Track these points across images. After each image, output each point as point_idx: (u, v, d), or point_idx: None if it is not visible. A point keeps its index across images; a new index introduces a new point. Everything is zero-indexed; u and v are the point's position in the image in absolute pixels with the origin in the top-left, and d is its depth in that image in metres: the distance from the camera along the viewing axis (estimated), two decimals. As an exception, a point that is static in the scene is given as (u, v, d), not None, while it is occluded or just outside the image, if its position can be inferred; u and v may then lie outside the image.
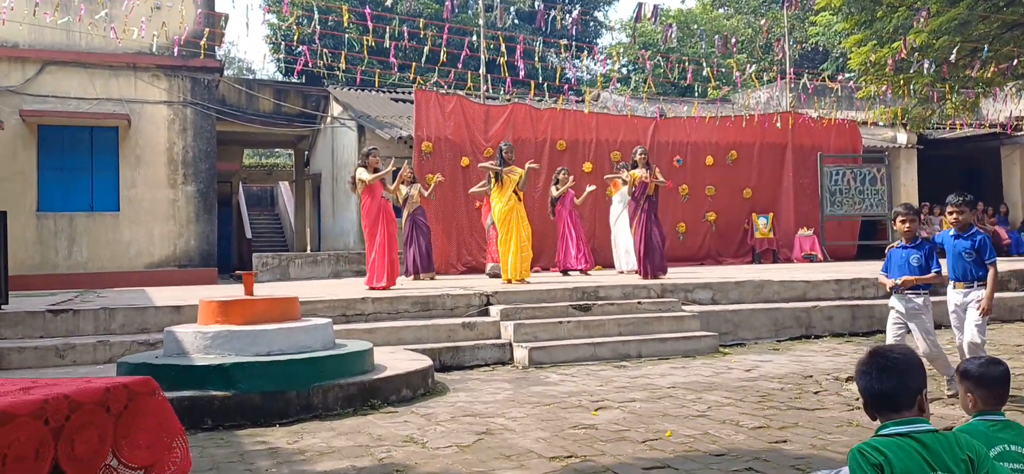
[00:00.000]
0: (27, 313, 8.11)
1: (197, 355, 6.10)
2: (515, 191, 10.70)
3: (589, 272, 12.70)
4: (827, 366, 7.58)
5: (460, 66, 15.71)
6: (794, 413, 5.60)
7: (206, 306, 6.45)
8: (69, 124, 15.24)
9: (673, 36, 15.59)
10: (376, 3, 25.33)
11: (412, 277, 12.00)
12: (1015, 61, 15.15)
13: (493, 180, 10.90)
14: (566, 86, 18.42)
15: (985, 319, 5.84)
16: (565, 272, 12.67)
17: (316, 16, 14.48)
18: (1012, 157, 20.57)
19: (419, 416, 5.76)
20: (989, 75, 16.03)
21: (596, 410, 5.78)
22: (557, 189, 12.77)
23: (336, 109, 19.25)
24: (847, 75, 21.90)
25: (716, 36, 17.09)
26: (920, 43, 15.36)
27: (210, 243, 16.16)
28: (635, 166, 11.35)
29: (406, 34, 14.81)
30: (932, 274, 5.91)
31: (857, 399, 5.80)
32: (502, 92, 18.98)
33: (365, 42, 14.61)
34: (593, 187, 13.58)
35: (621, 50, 34.06)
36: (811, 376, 7.10)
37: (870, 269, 11.49)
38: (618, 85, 27.11)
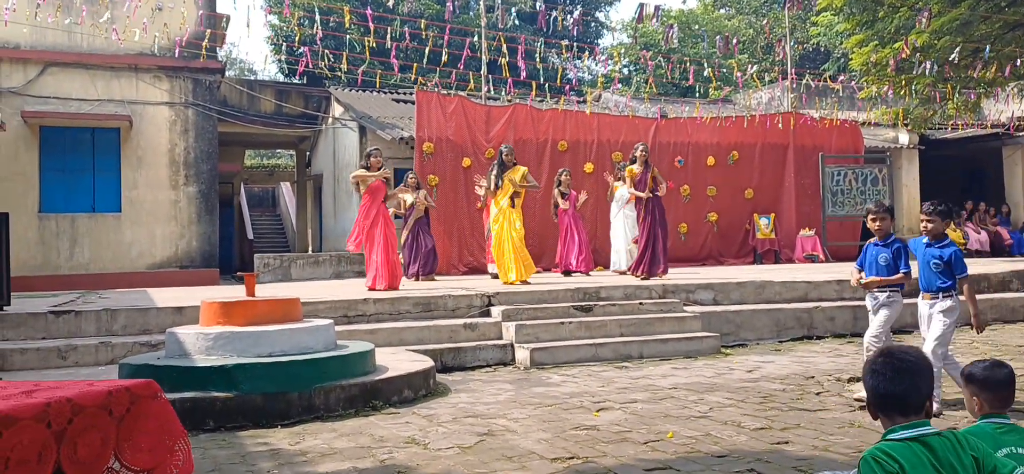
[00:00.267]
0: (29, 314, 8.12)
1: (199, 356, 6.11)
2: (511, 197, 10.62)
3: (590, 273, 12.70)
4: (829, 367, 7.57)
5: (461, 67, 15.71)
6: (796, 414, 5.59)
7: (208, 307, 6.46)
8: (71, 125, 15.25)
9: (674, 37, 15.58)
10: (377, 4, 25.34)
11: (413, 278, 12.00)
12: (1017, 61, 15.13)
13: (491, 187, 10.88)
14: (567, 87, 18.43)
15: (948, 330, 5.70)
16: (566, 273, 12.68)
17: (317, 17, 14.49)
18: (1014, 157, 20.55)
19: (421, 417, 5.76)
20: (991, 75, 16.01)
21: (598, 411, 5.78)
22: (559, 190, 12.78)
23: (337, 110, 19.26)
24: (849, 75, 21.88)
25: (717, 36, 17.09)
26: (922, 43, 15.34)
27: (212, 244, 16.17)
28: (634, 162, 11.32)
29: (407, 35, 14.83)
30: (898, 275, 5.86)
31: (857, 400, 5.80)
32: (504, 93, 18.99)
33: (367, 43, 14.61)
34: (586, 196, 13.58)
35: (622, 51, 34.08)
36: (813, 377, 7.09)
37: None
38: (619, 86, 27.12)
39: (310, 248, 24.61)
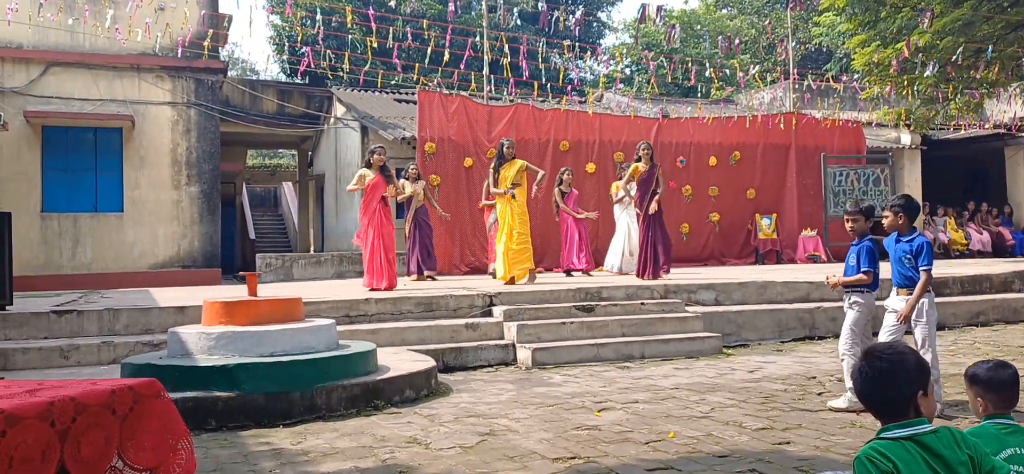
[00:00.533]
0: (32, 314, 8.13)
1: (201, 356, 6.12)
2: (511, 187, 10.56)
3: (590, 273, 12.69)
4: (830, 367, 7.57)
5: (463, 67, 15.70)
6: (797, 414, 5.59)
7: (210, 307, 6.47)
8: (73, 125, 15.28)
9: (676, 37, 15.56)
10: (379, 4, 25.37)
11: (414, 277, 12.01)
12: (1019, 62, 15.12)
13: (490, 182, 10.86)
14: (569, 87, 18.44)
15: (930, 329, 5.60)
16: (567, 272, 12.69)
17: (319, 17, 14.51)
18: (1016, 158, 20.53)
19: (422, 417, 5.77)
20: (993, 76, 16.01)
21: (599, 411, 5.78)
22: (560, 190, 12.79)
23: (339, 110, 19.27)
24: (851, 75, 21.87)
25: (719, 37, 17.08)
26: (924, 44, 15.34)
27: (214, 244, 16.18)
28: (639, 161, 11.25)
29: (409, 35, 14.84)
30: (858, 275, 5.71)
31: (831, 409, 5.76)
32: (505, 93, 19.00)
33: (369, 43, 14.64)
34: (595, 215, 13.61)
35: (624, 51, 34.10)
36: (815, 377, 7.09)
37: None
38: (621, 86, 27.11)
39: (312, 248, 24.63)
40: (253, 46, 78.86)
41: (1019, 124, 19.69)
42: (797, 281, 10.63)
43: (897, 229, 5.71)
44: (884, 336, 5.74)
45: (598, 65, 35.37)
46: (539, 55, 15.88)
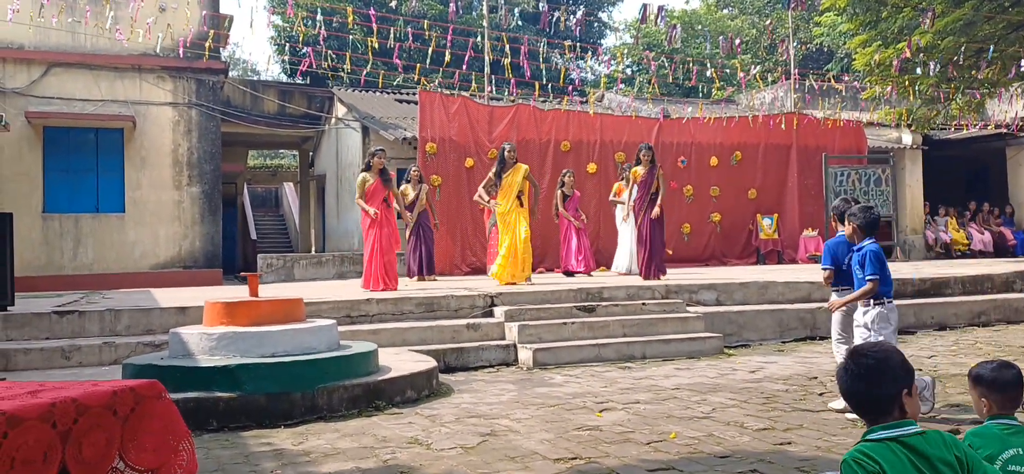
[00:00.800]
0: (33, 314, 8.14)
1: (202, 356, 6.12)
2: (519, 196, 10.56)
3: (591, 273, 12.69)
4: (832, 368, 7.55)
5: (464, 67, 15.71)
6: (799, 415, 5.59)
7: (211, 307, 6.47)
8: (74, 126, 15.29)
9: (677, 37, 15.56)
10: (380, 4, 25.38)
11: (416, 278, 12.01)
12: (1021, 62, 15.11)
13: (492, 184, 10.84)
14: (570, 87, 18.43)
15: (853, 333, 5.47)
16: (567, 273, 12.69)
17: (320, 17, 14.52)
18: (1018, 158, 20.51)
19: (423, 417, 5.77)
20: (994, 76, 16.00)
21: (600, 412, 5.78)
22: (562, 191, 12.78)
23: (340, 110, 19.27)
24: (852, 75, 21.86)
25: (720, 37, 17.09)
26: (925, 44, 15.34)
27: (215, 244, 16.19)
28: (639, 163, 11.24)
29: (410, 35, 14.84)
30: (863, 288, 5.46)
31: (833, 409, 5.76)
32: (506, 93, 18.99)
33: (370, 43, 14.66)
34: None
35: (625, 51, 34.08)
36: (816, 377, 7.09)
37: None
38: (622, 86, 27.11)
39: (313, 248, 24.64)
40: (254, 46, 78.91)
41: (1020, 124, 19.65)
42: (798, 281, 10.63)
43: (851, 239, 5.57)
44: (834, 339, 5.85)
45: (599, 65, 35.37)
46: (540, 55, 15.89)
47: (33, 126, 14.97)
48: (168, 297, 10.02)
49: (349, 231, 18.88)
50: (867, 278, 5.35)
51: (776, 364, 7.90)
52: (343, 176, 19.05)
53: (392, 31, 14.50)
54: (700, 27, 33.41)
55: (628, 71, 32.89)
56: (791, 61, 20.05)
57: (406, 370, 6.62)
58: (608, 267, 13.91)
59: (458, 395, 6.66)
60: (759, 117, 17.25)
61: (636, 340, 8.58)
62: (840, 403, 5.63)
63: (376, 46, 14.69)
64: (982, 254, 18.91)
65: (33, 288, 13.15)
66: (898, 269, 12.57)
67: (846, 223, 5.56)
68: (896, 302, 5.72)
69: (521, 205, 10.55)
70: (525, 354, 8.17)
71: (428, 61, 15.18)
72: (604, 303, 9.36)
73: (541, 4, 14.63)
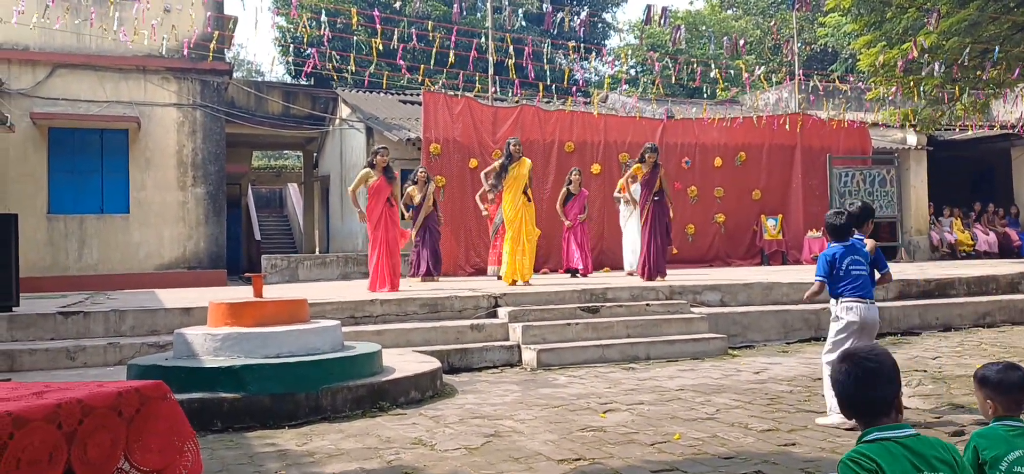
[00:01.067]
0: (38, 315, 8.16)
1: (207, 357, 6.13)
2: (525, 191, 10.57)
3: (588, 274, 12.65)
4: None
5: (469, 68, 15.71)
6: (803, 416, 5.58)
7: (216, 308, 6.48)
8: (79, 127, 15.32)
9: (681, 37, 15.55)
10: (385, 5, 25.40)
11: (421, 278, 12.02)
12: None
13: (498, 177, 10.83)
14: (574, 88, 18.43)
15: (836, 340, 5.51)
16: (569, 272, 12.69)
17: (324, 18, 14.53)
18: (1023, 159, 20.46)
19: (427, 418, 5.77)
20: (999, 76, 15.96)
21: (604, 412, 5.78)
22: (568, 189, 12.78)
23: (344, 111, 19.29)
24: (857, 76, 21.82)
25: (725, 37, 17.07)
26: (930, 44, 15.29)
27: (219, 245, 16.21)
28: (642, 160, 11.22)
29: (414, 36, 14.84)
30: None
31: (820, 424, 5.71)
32: (510, 94, 18.99)
33: (374, 44, 14.64)
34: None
35: (629, 51, 34.08)
36: (820, 379, 7.07)
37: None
38: (626, 86, 27.10)
39: (317, 249, 24.66)
40: (258, 47, 79.03)
41: (1026, 124, 19.63)
42: (802, 282, 10.58)
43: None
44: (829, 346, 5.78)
45: (603, 66, 35.31)
46: (544, 56, 15.88)
47: (38, 127, 15.01)
48: (172, 298, 10.03)
49: (353, 232, 18.90)
50: (814, 279, 5.53)
51: (780, 365, 7.89)
52: (347, 177, 19.05)
53: (396, 32, 14.52)
54: (704, 28, 33.36)
55: (632, 72, 32.88)
56: (795, 62, 20.02)
57: (410, 371, 6.63)
58: (611, 269, 13.90)
59: (462, 396, 6.66)
60: (763, 118, 17.23)
61: (640, 341, 8.58)
62: (830, 419, 5.34)
63: (380, 47, 14.67)
64: (987, 255, 18.87)
65: (38, 289, 13.18)
66: (902, 270, 12.54)
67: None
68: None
69: (529, 200, 10.56)
70: (529, 355, 8.17)
71: (432, 62, 15.20)
72: (608, 304, 9.35)
73: (545, 5, 14.63)
